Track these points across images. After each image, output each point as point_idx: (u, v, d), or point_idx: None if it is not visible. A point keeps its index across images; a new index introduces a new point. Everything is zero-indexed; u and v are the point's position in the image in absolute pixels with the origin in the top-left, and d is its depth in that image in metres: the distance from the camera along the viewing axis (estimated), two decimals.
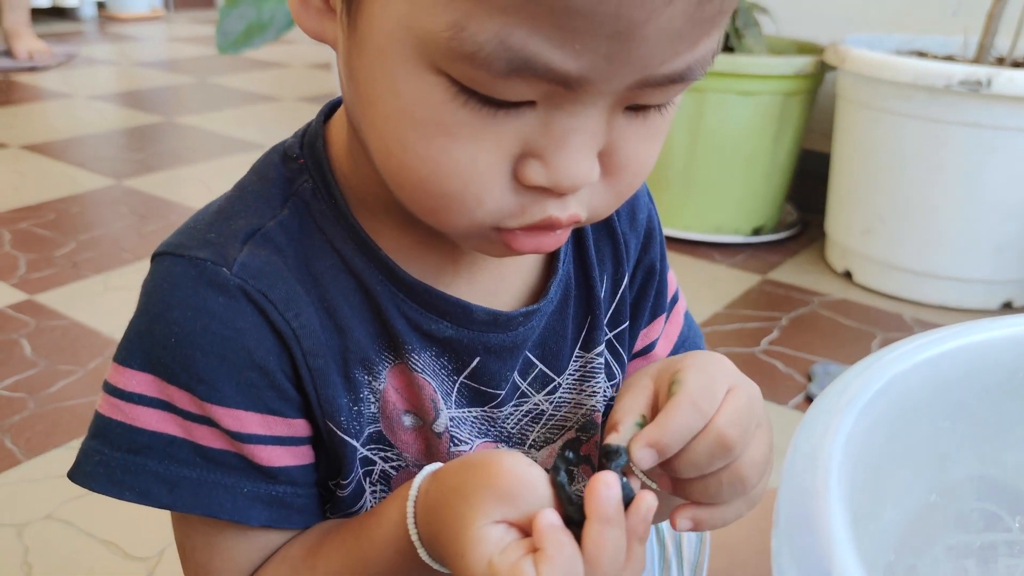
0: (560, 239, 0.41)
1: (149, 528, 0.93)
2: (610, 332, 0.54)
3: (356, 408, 0.46)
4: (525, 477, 0.37)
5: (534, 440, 0.52)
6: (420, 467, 0.48)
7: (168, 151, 2.34)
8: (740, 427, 0.39)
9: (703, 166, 1.73)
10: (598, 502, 0.36)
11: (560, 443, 0.53)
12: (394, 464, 0.48)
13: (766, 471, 0.41)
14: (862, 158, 1.60)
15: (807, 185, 1.92)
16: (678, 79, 0.35)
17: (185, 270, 0.42)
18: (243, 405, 0.43)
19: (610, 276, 0.54)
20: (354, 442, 0.46)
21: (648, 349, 0.59)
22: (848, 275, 1.66)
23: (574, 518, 0.37)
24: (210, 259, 0.42)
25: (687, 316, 0.61)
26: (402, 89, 0.35)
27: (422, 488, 0.42)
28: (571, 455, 0.39)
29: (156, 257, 0.44)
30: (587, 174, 0.37)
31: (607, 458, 0.39)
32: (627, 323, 0.55)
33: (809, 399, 1.26)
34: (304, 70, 3.50)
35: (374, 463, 0.48)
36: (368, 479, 0.48)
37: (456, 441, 0.49)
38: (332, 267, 0.45)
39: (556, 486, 0.37)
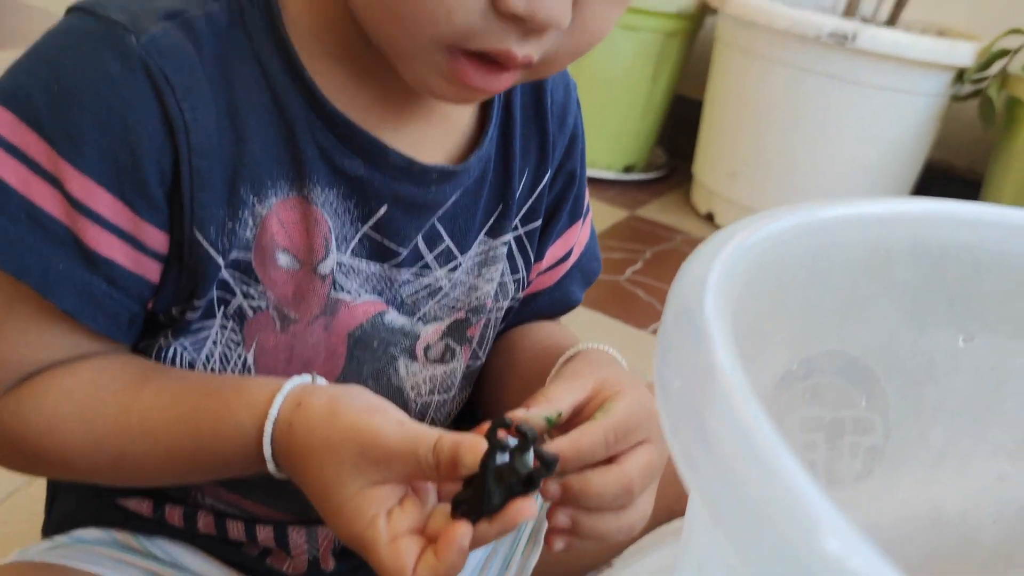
0: (504, 83, 0.41)
1: None
2: (522, 228, 0.54)
3: (231, 225, 0.43)
4: (402, 445, 0.37)
5: (424, 314, 0.51)
6: (280, 312, 0.47)
7: (6, 30, 2.13)
8: (646, 479, 0.43)
9: (584, 99, 1.73)
10: (513, 522, 0.37)
11: (449, 322, 0.53)
12: (254, 303, 0.46)
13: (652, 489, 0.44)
14: (733, 103, 1.64)
15: (678, 130, 1.96)
16: None
17: (93, 28, 0.40)
18: (100, 179, 0.40)
19: (532, 171, 0.54)
20: (219, 259, 0.43)
21: (567, 256, 0.59)
22: (711, 217, 1.72)
23: (476, 494, 0.38)
24: (122, 23, 0.40)
25: (592, 227, 0.63)
26: None
27: (283, 415, 0.40)
28: (507, 442, 0.39)
29: (71, 11, 0.42)
30: (564, 13, 0.38)
31: (525, 438, 0.38)
32: (540, 222, 0.55)
33: None
34: None
35: (233, 294, 0.45)
36: (223, 309, 0.46)
37: (339, 288, 0.47)
38: (250, 77, 0.43)
39: (484, 466, 0.37)
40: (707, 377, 0.26)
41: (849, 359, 0.47)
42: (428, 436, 0.38)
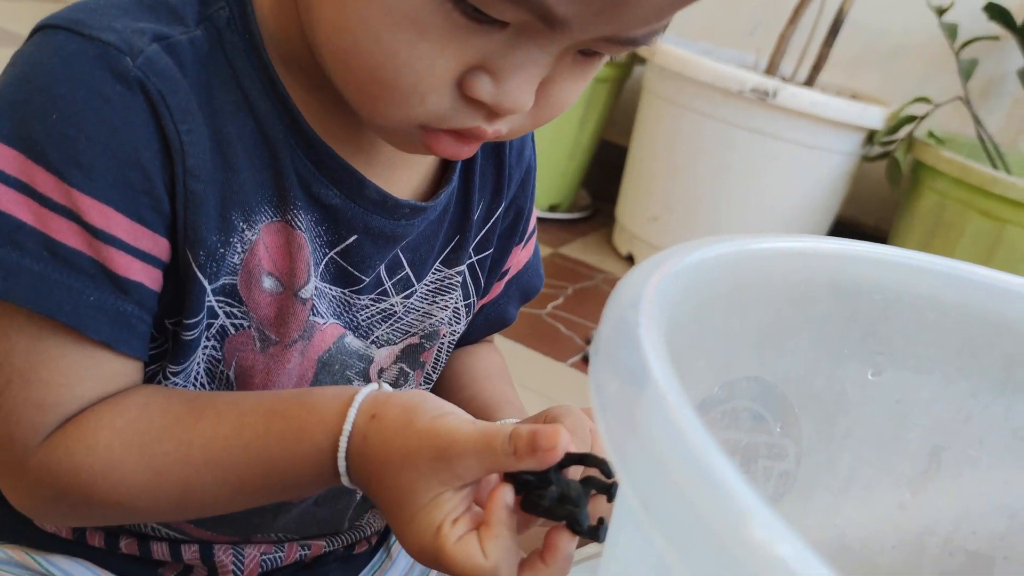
0: (474, 150, 0.42)
1: None
2: (475, 256, 0.56)
3: (221, 251, 0.43)
4: (479, 439, 0.38)
5: (377, 337, 0.52)
6: (261, 332, 0.46)
7: None
8: None
9: None
10: (563, 554, 0.39)
11: (402, 347, 0.53)
12: (236, 322, 0.46)
13: None
14: (657, 150, 1.70)
15: (603, 173, 2.01)
16: (638, 42, 0.38)
17: (83, 48, 0.38)
18: (116, 203, 0.39)
19: (487, 203, 0.55)
20: (205, 282, 0.43)
21: (503, 275, 0.61)
22: (631, 258, 1.76)
23: (539, 504, 0.39)
24: (115, 44, 0.39)
25: (536, 246, 0.64)
26: None
27: (358, 428, 0.40)
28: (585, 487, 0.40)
29: (45, 28, 0.40)
30: (527, 102, 0.39)
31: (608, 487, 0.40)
32: (492, 250, 0.57)
33: (586, 360, 1.33)
34: None
35: (216, 316, 0.45)
36: (207, 332, 0.45)
37: (315, 312, 0.48)
38: (234, 104, 0.42)
39: (550, 485, 0.39)
40: (641, 379, 0.27)
41: (766, 386, 0.49)
42: (503, 427, 0.39)
